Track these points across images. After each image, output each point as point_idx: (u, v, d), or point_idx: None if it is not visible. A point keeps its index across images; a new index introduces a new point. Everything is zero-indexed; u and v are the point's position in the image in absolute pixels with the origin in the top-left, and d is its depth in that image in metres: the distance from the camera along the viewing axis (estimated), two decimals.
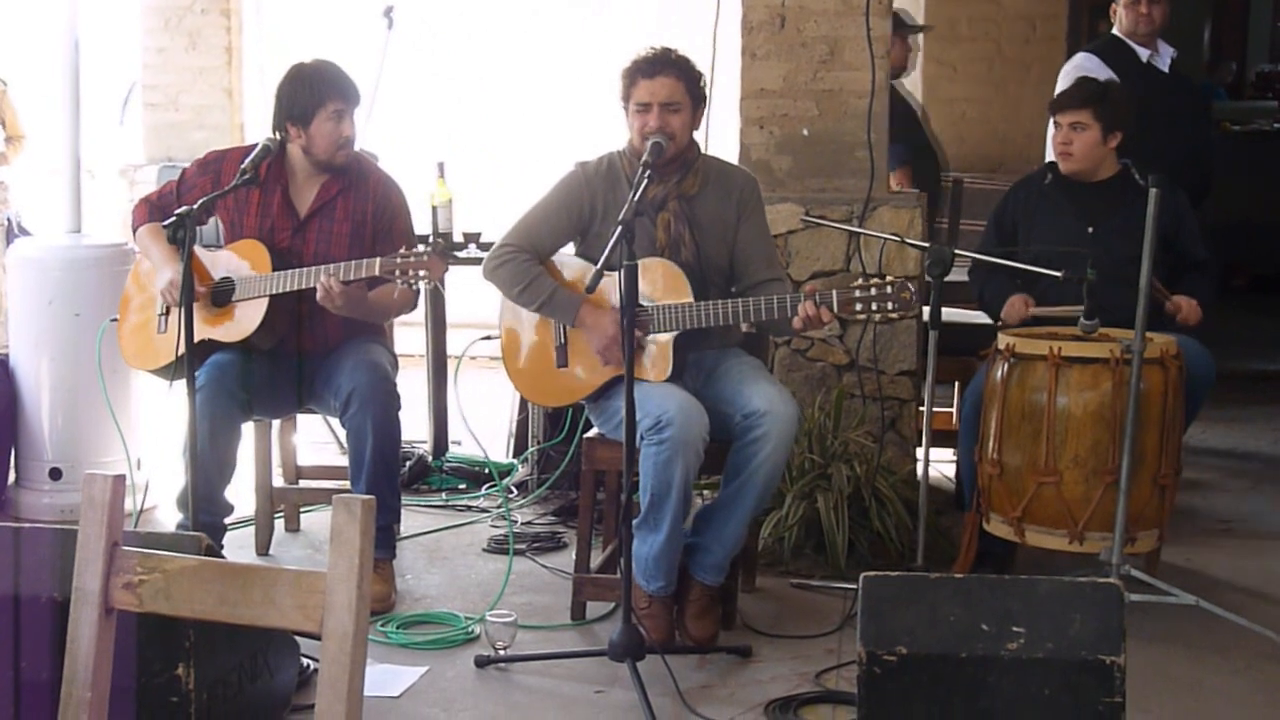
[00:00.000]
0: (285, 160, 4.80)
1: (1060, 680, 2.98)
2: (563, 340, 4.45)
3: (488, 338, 4.90)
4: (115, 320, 4.96)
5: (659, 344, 4.30)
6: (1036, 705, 2.99)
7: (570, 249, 4.56)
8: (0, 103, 7.99)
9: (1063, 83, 5.93)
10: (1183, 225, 5.16)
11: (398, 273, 4.43)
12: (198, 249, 4.59)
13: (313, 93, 4.69)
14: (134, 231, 4.89)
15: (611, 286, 4.13)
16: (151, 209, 4.85)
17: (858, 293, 4.12)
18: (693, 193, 4.45)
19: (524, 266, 4.46)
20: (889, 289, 4.09)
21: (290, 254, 4.72)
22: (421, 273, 4.42)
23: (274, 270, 4.63)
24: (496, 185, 8.24)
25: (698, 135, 4.54)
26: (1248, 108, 13.43)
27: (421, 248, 4.49)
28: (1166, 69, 6.20)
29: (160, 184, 5.12)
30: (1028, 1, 8.83)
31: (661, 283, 4.30)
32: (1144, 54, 6.14)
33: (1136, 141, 5.21)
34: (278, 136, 4.75)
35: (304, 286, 4.57)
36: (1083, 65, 6.10)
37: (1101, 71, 5.94)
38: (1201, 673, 4.21)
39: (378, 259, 4.47)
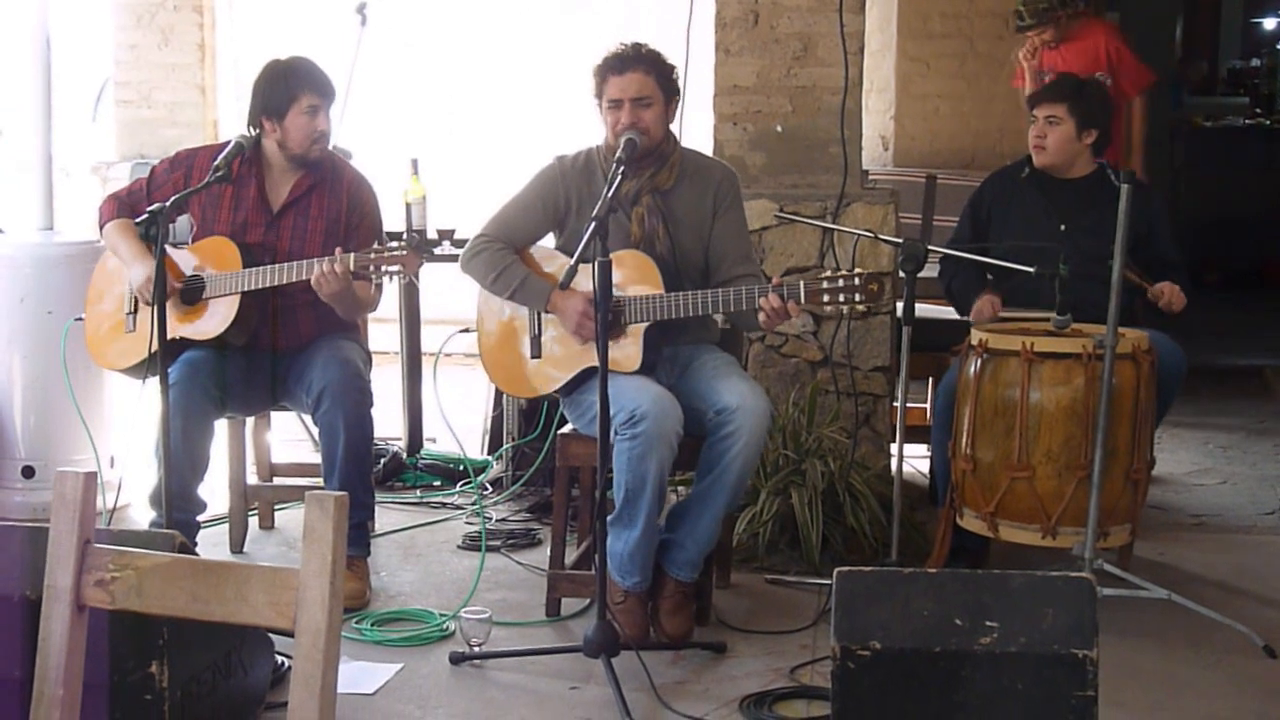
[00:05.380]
0: (260, 156, 4.80)
1: (1033, 674, 2.99)
2: (537, 331, 4.46)
3: (466, 330, 4.89)
4: (80, 319, 4.94)
5: (629, 333, 4.30)
6: (1010, 699, 3.00)
7: (551, 241, 4.58)
8: None
9: None
10: (1155, 228, 5.17)
11: (371, 268, 4.44)
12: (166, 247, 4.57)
13: (288, 87, 4.70)
14: (101, 227, 4.87)
15: (584, 278, 4.14)
16: (120, 205, 4.84)
17: (825, 284, 4.13)
18: (667, 186, 4.45)
19: (498, 255, 4.47)
20: (856, 280, 4.10)
21: (263, 249, 4.71)
22: (395, 267, 4.43)
23: (244, 266, 4.62)
24: (471, 182, 8.23)
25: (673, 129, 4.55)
26: (1220, 104, 13.50)
27: (395, 243, 4.51)
28: None
29: (131, 181, 5.09)
30: None
31: (633, 273, 4.30)
32: None
33: None
34: (253, 132, 4.76)
35: (275, 283, 4.57)
36: None
37: None
38: (1173, 666, 4.23)
39: (351, 254, 4.47)
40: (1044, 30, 7.13)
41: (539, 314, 4.46)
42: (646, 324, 4.29)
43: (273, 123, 4.73)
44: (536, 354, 4.47)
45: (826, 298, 4.14)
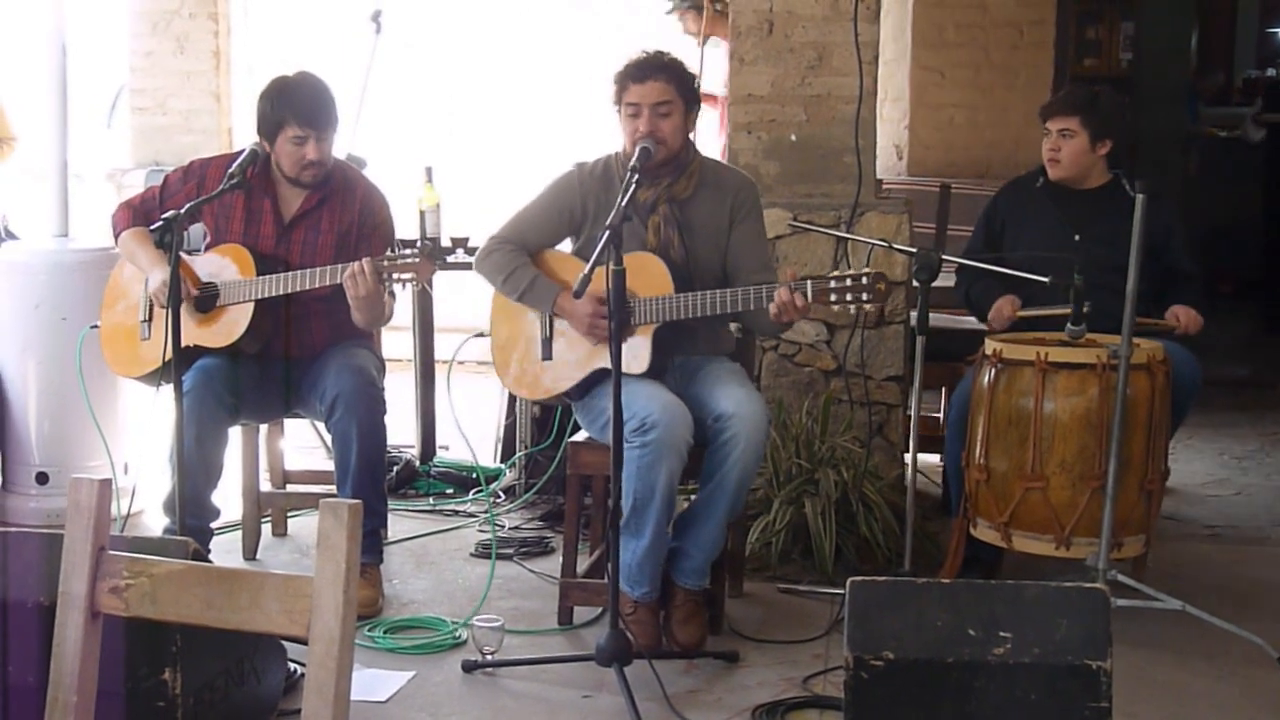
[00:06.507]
0: (270, 169, 4.80)
1: (1047, 685, 2.98)
2: (548, 333, 4.47)
3: (480, 335, 4.90)
4: (95, 327, 4.95)
5: (639, 334, 4.30)
6: (1023, 710, 2.99)
7: (568, 246, 4.58)
8: None
9: None
10: (1171, 238, 5.15)
11: (385, 276, 4.44)
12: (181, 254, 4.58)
13: (276, 114, 4.67)
14: (116, 235, 4.87)
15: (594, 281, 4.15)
16: (134, 213, 4.85)
17: (833, 283, 4.16)
18: (685, 196, 4.46)
19: (509, 256, 4.48)
20: (863, 279, 4.13)
21: (275, 259, 4.72)
22: (408, 275, 4.43)
23: (259, 274, 4.63)
24: (485, 189, 8.24)
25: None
26: (1234, 114, 13.45)
27: (408, 251, 4.51)
28: None
29: (144, 189, 5.10)
30: (1015, 7, 8.83)
31: (642, 275, 4.29)
32: None
33: None
34: (266, 144, 4.76)
35: (288, 291, 4.58)
36: None
37: None
38: (1187, 678, 4.22)
39: (366, 260, 4.47)
40: (685, 16, 7.23)
41: (549, 316, 4.47)
42: (656, 325, 4.30)
43: (268, 145, 4.73)
44: (547, 356, 4.47)
45: (834, 297, 4.15)
